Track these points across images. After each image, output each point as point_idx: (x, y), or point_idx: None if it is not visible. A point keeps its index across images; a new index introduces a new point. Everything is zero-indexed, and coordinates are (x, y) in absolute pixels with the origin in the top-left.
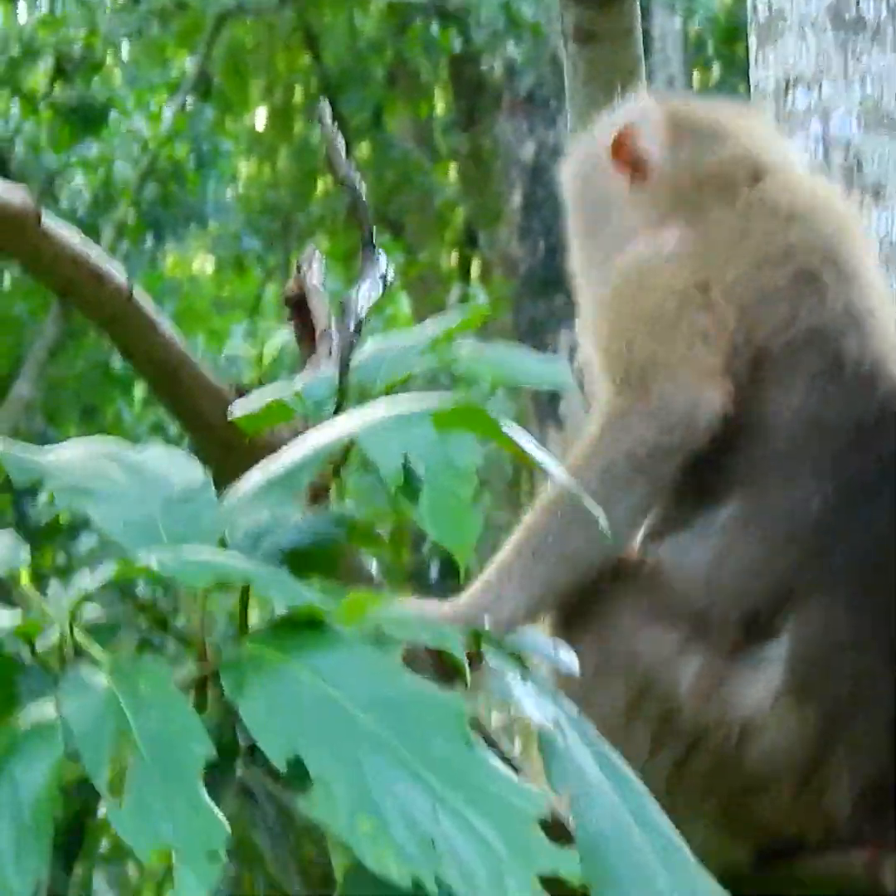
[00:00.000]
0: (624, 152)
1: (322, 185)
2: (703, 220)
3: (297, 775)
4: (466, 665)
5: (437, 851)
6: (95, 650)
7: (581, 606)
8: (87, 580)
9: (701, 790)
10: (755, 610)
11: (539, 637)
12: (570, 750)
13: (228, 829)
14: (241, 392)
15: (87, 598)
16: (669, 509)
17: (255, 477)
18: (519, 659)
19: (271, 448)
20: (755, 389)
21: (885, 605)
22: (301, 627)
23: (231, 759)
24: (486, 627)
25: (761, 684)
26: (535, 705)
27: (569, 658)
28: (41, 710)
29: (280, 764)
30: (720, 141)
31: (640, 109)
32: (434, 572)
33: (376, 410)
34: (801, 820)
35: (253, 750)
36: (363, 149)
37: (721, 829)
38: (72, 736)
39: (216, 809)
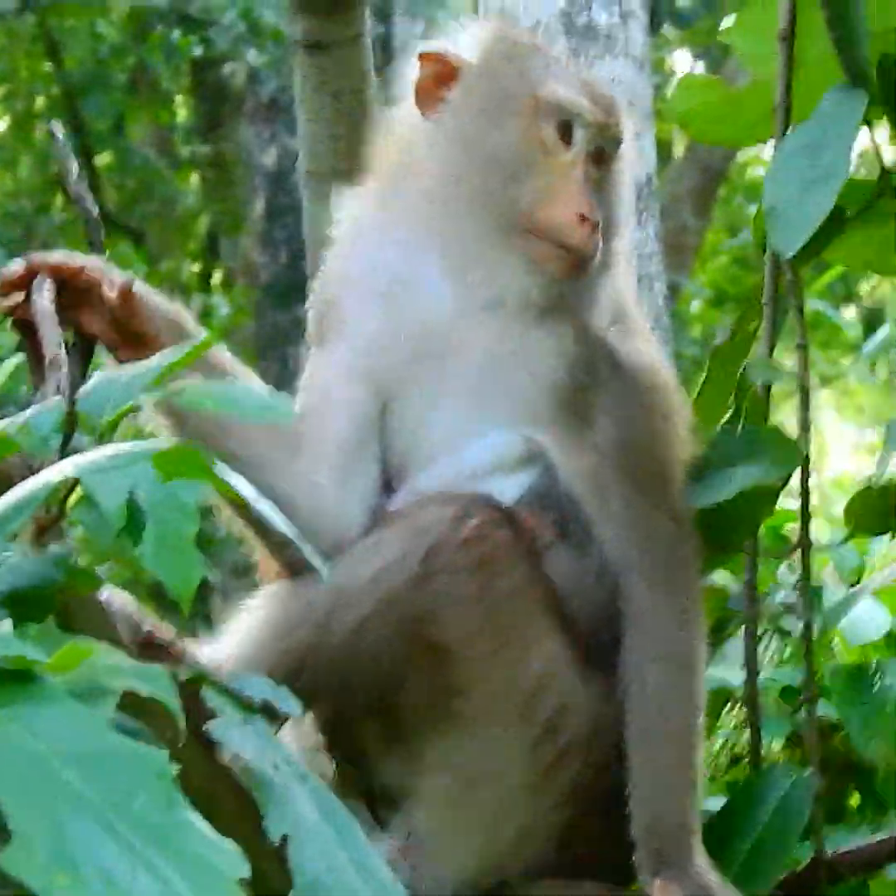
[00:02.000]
0: None
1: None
2: None
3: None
4: (181, 712)
5: None
6: None
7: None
8: None
9: (559, 793)
10: None
11: (259, 680)
12: (288, 794)
13: None
14: None
15: None
16: None
17: None
18: (242, 703)
19: (1, 478)
20: None
21: None
22: (12, 678)
23: None
24: None
25: None
26: (254, 749)
27: (289, 701)
28: None
29: None
30: None
31: None
32: None
33: (99, 452)
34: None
35: None
36: (105, 156)
37: (525, 838)
38: None
39: None
